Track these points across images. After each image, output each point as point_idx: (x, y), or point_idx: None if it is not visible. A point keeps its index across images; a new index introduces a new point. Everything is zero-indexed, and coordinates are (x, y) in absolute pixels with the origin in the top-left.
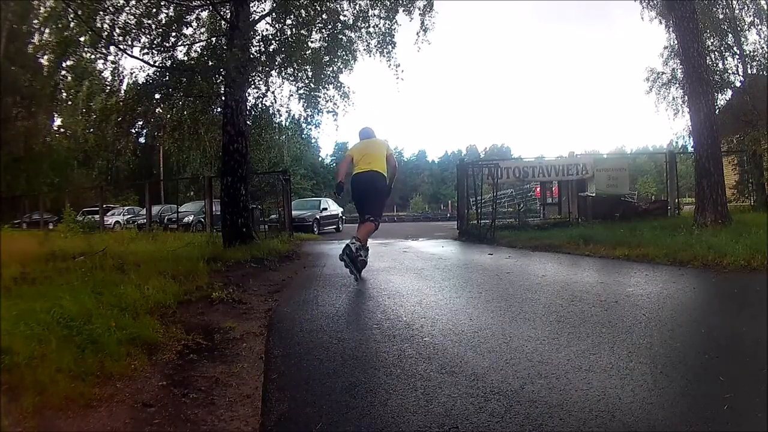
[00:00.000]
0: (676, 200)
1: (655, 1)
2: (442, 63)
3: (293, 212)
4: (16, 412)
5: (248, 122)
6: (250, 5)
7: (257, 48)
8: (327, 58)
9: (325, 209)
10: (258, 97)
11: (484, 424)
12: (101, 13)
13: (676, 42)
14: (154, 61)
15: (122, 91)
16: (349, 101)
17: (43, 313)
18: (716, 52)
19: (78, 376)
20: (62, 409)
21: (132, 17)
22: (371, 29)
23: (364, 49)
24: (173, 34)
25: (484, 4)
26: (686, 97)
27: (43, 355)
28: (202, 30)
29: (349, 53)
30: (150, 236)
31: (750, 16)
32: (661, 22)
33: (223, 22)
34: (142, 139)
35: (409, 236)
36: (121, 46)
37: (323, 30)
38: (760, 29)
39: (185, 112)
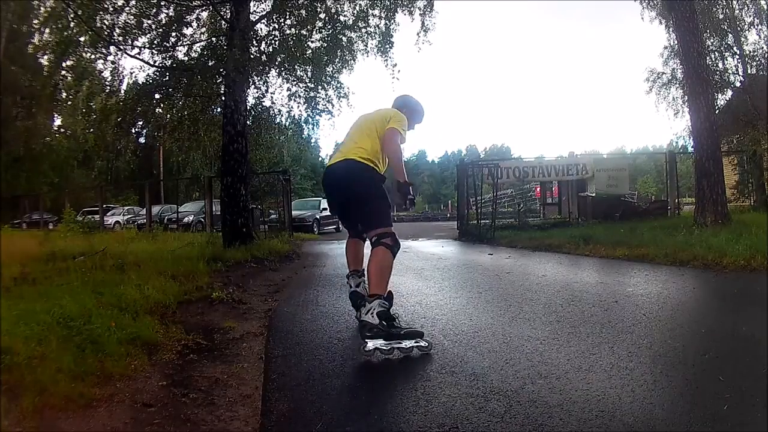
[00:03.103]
0: (676, 200)
1: (655, 1)
2: (443, 63)
3: (293, 212)
4: (16, 412)
5: (248, 122)
6: (250, 5)
7: (257, 48)
8: (326, 58)
9: (325, 209)
10: (258, 97)
11: (484, 424)
12: (101, 13)
13: (676, 42)
14: (154, 61)
15: (122, 91)
16: (348, 101)
17: (43, 313)
18: (716, 52)
19: (78, 376)
20: (62, 409)
21: (132, 17)
22: (371, 29)
23: (363, 49)
24: (173, 34)
25: (484, 4)
26: (686, 97)
27: (43, 355)
28: (202, 30)
29: (349, 53)
30: (150, 236)
31: (750, 16)
32: (661, 22)
33: (223, 22)
34: (142, 139)
35: (409, 236)
36: (121, 46)
37: (323, 30)
38: (760, 29)
39: (185, 112)
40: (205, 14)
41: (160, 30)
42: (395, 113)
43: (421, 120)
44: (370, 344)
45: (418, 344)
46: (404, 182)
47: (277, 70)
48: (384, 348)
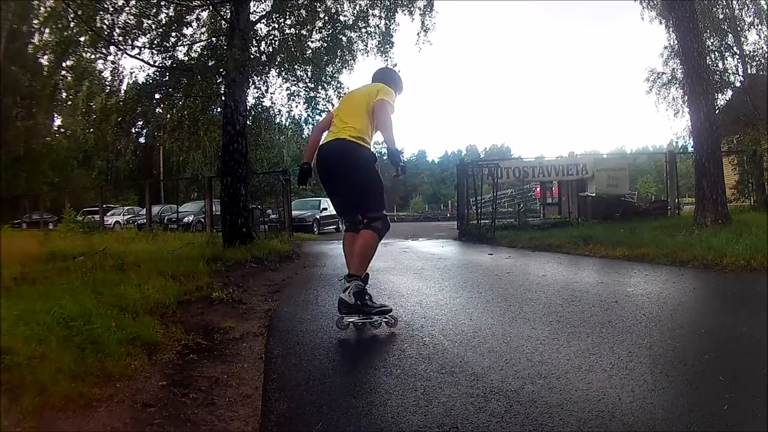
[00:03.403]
0: (676, 200)
1: (655, 1)
2: (443, 63)
3: (293, 212)
4: (16, 412)
5: (248, 122)
6: (250, 5)
7: (257, 48)
8: (326, 58)
9: (325, 209)
10: (258, 97)
11: (484, 424)
12: (101, 13)
13: (676, 42)
14: (154, 61)
15: (122, 91)
16: None
17: (43, 313)
18: (716, 52)
19: (78, 376)
20: (62, 409)
21: (132, 17)
22: (371, 29)
23: (363, 49)
24: (173, 34)
25: (484, 4)
26: (686, 97)
27: (43, 355)
28: (202, 30)
29: (349, 53)
30: (150, 236)
31: (750, 16)
32: (661, 22)
33: (223, 22)
34: (142, 139)
35: (409, 236)
36: (121, 46)
37: (323, 30)
38: (760, 29)
39: (185, 112)
40: (205, 14)
41: (160, 30)
42: (382, 86)
43: (401, 91)
44: (346, 319)
45: (385, 319)
46: (395, 149)
47: (277, 70)
48: (358, 323)
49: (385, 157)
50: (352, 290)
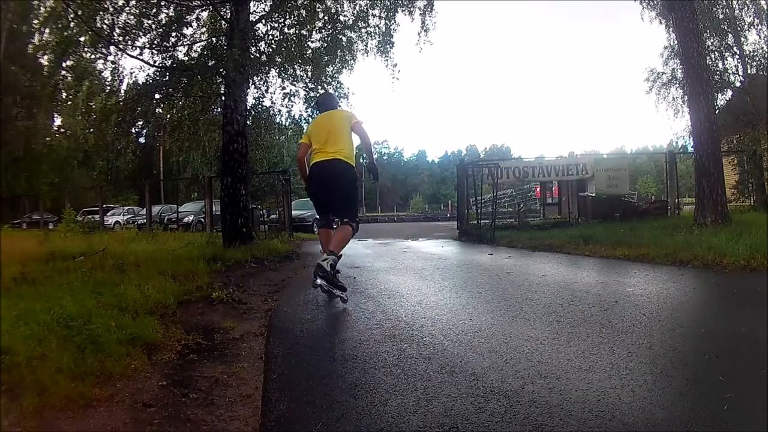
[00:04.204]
0: (676, 200)
1: (655, 1)
2: (443, 63)
3: (293, 212)
4: (16, 412)
5: (248, 122)
6: (250, 5)
7: (257, 48)
8: (327, 58)
9: None
10: (258, 97)
11: (484, 424)
12: (101, 13)
13: (676, 42)
14: (154, 61)
15: (122, 91)
16: (348, 101)
17: (43, 313)
18: (716, 52)
19: (78, 376)
20: (62, 409)
21: (132, 17)
22: (371, 29)
23: (363, 49)
24: (173, 34)
25: (484, 4)
26: (686, 97)
27: (43, 355)
28: (202, 30)
29: (349, 53)
30: (150, 236)
31: (750, 16)
32: (661, 22)
33: (223, 22)
34: (142, 139)
35: (409, 236)
36: (121, 46)
37: (323, 30)
38: (760, 29)
39: (185, 112)
40: (205, 14)
41: (160, 30)
42: (349, 112)
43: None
44: (319, 281)
45: (341, 294)
46: (375, 165)
47: (276, 70)
48: (325, 287)
49: (363, 155)
50: (330, 262)
